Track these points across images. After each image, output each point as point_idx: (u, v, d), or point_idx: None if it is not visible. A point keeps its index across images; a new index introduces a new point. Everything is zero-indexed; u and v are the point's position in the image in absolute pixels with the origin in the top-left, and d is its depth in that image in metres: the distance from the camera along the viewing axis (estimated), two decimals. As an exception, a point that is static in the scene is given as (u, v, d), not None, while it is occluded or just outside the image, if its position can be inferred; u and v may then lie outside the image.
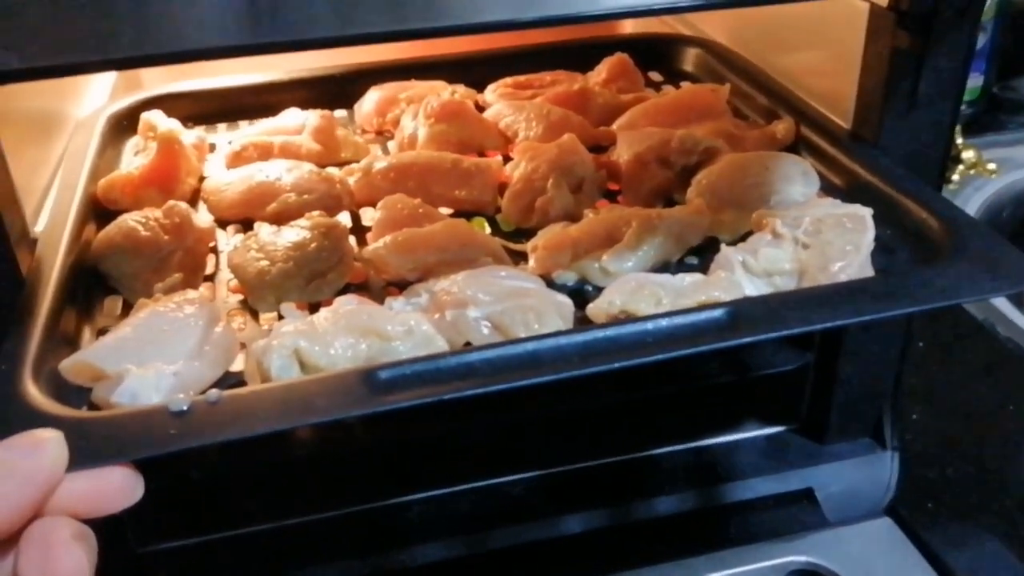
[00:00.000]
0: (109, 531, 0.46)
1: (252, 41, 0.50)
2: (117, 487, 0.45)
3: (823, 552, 0.86)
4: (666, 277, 0.66)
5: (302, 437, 0.84)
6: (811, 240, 0.69)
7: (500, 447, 0.88)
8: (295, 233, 0.72)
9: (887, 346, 0.87)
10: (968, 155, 1.51)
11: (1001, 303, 1.24)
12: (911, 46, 0.72)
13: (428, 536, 0.84)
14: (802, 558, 0.86)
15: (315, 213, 0.75)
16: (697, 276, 0.67)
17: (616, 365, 0.54)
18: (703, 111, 0.90)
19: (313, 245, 0.71)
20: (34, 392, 0.52)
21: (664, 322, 0.57)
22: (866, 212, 0.71)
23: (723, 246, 0.71)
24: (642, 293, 0.64)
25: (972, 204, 1.45)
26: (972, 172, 1.51)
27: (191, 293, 0.65)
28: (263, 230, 0.75)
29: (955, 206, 0.70)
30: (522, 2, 0.53)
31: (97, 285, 0.71)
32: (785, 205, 0.75)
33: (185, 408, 0.50)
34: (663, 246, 0.72)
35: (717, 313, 0.58)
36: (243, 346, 0.61)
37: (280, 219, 0.77)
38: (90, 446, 0.46)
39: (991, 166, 1.52)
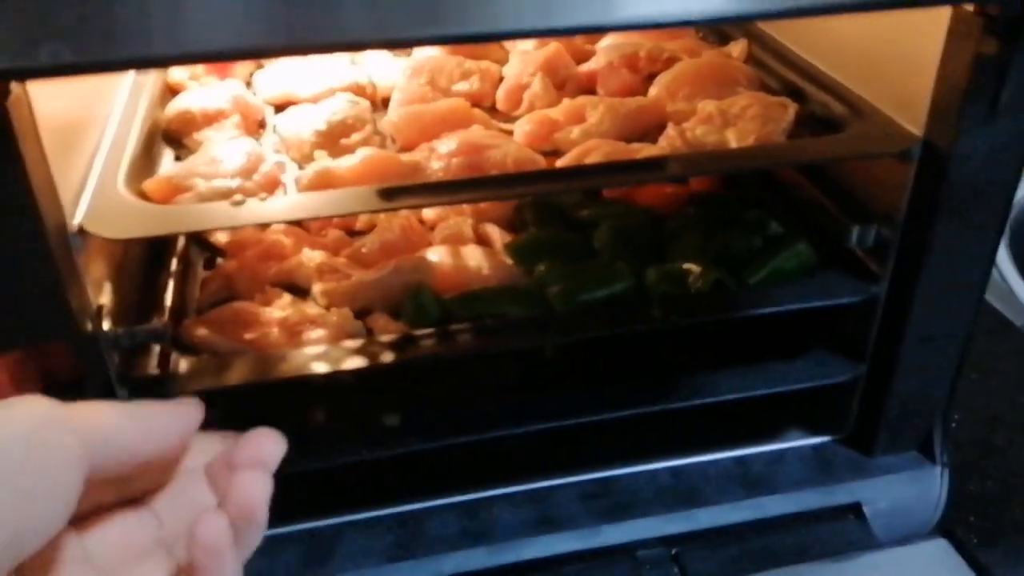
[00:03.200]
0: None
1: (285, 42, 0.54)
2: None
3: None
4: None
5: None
6: (737, 121, 0.84)
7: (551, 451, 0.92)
8: (330, 106, 0.91)
9: (944, 358, 0.87)
10: None
11: None
12: (998, 52, 0.70)
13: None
14: None
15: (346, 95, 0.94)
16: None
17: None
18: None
19: (343, 115, 0.89)
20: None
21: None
22: (788, 101, 0.85)
23: (669, 124, 0.86)
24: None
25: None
26: None
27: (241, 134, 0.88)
28: (302, 106, 0.94)
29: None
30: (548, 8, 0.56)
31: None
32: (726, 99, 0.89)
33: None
34: (624, 124, 0.87)
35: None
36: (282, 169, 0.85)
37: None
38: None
39: None
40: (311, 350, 0.77)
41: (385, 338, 0.79)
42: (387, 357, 0.77)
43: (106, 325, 0.70)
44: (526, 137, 0.87)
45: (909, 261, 0.83)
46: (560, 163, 0.81)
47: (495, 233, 0.94)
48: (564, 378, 0.90)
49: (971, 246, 0.81)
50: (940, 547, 0.86)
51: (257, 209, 0.69)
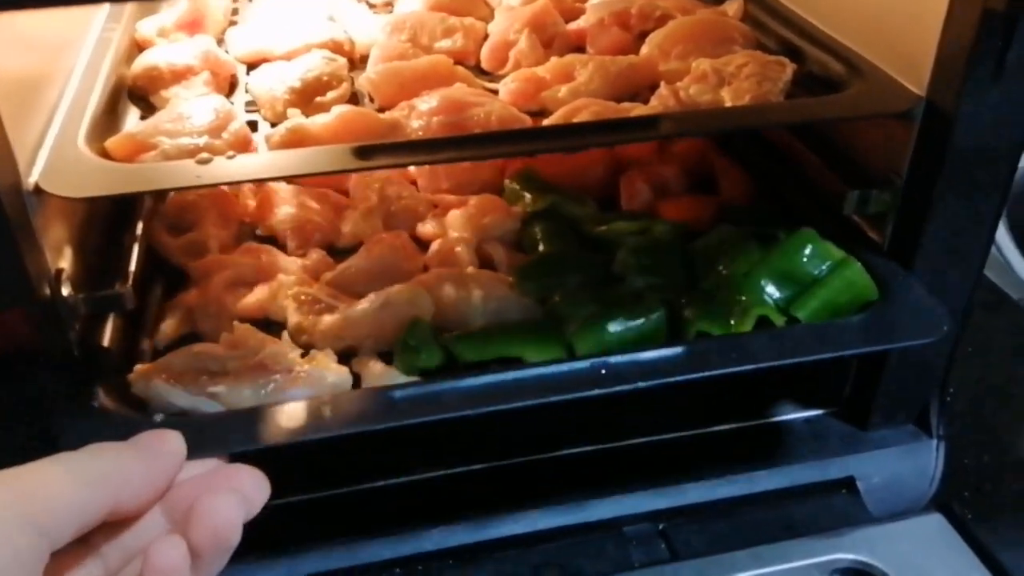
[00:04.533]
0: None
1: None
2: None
3: (871, 550, 0.82)
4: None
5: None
6: (733, 80, 0.81)
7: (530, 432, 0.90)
8: (305, 62, 0.88)
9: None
10: None
11: None
12: (1005, 8, 0.67)
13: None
14: (849, 556, 0.82)
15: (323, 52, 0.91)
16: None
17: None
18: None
19: (319, 72, 0.87)
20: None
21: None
22: (785, 60, 0.83)
23: (661, 84, 0.83)
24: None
25: None
26: None
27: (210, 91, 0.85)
28: (275, 63, 0.91)
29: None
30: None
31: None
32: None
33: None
34: (615, 83, 0.85)
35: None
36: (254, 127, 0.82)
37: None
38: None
39: None
40: (286, 411, 0.67)
41: (373, 393, 0.70)
42: (374, 418, 0.67)
43: (65, 291, 0.68)
44: (511, 96, 0.85)
45: (909, 228, 0.82)
46: (547, 123, 0.79)
47: (500, 254, 0.87)
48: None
49: (974, 212, 0.79)
50: (935, 522, 0.84)
51: (224, 167, 0.66)
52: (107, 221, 0.84)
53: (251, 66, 0.93)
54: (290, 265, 0.85)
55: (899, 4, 0.80)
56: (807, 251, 0.81)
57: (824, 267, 0.81)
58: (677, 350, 0.72)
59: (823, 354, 0.72)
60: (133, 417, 0.66)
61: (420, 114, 0.76)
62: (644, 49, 0.92)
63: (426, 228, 0.91)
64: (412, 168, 0.97)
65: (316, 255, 0.87)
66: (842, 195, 0.84)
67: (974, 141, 0.75)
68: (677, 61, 0.88)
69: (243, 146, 0.75)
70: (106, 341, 0.74)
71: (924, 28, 0.75)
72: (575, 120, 0.78)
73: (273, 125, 0.81)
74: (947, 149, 0.75)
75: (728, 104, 0.79)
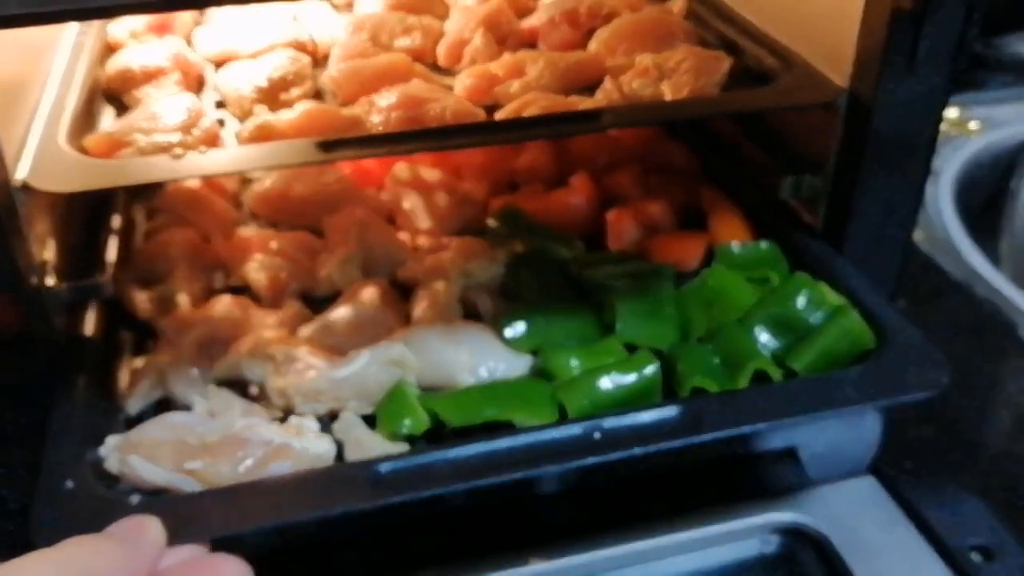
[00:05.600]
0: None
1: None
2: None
3: (807, 510, 0.85)
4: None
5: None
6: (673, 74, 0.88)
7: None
8: (271, 61, 0.93)
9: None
10: (950, 114, 1.46)
11: (980, 264, 1.30)
12: (912, 7, 0.75)
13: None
14: (786, 516, 0.86)
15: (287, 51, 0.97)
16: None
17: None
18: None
19: (283, 70, 0.92)
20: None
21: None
22: (723, 55, 0.89)
23: (606, 78, 0.90)
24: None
25: (952, 163, 1.52)
26: (954, 131, 1.58)
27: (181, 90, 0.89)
28: (242, 62, 0.96)
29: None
30: None
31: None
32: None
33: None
34: (564, 77, 0.91)
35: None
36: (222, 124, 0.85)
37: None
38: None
39: (972, 125, 1.60)
40: (268, 490, 0.65)
41: (359, 468, 0.67)
42: (360, 496, 0.64)
43: (50, 281, 0.74)
44: (466, 91, 0.90)
45: (839, 210, 0.89)
46: (498, 116, 0.85)
47: (485, 302, 0.86)
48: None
49: (896, 192, 0.86)
50: (868, 483, 0.88)
51: (197, 161, 0.72)
52: (86, 216, 0.90)
53: (218, 65, 0.99)
54: (265, 319, 0.83)
55: (823, 1, 0.87)
56: (802, 297, 0.81)
57: (819, 314, 0.81)
58: (673, 411, 0.70)
59: (823, 410, 0.72)
60: (107, 499, 0.64)
61: (380, 110, 0.82)
62: (592, 45, 0.98)
63: (407, 274, 0.90)
64: (390, 205, 1.00)
65: (292, 308, 0.85)
66: (778, 181, 0.91)
67: (892, 128, 0.82)
68: (622, 57, 0.94)
69: (213, 142, 0.80)
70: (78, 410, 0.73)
71: (845, 25, 0.82)
72: (525, 113, 0.84)
73: (241, 122, 0.87)
74: (868, 136, 0.82)
75: (668, 97, 0.86)
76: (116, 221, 0.91)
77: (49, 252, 0.76)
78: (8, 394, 0.76)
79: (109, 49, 0.98)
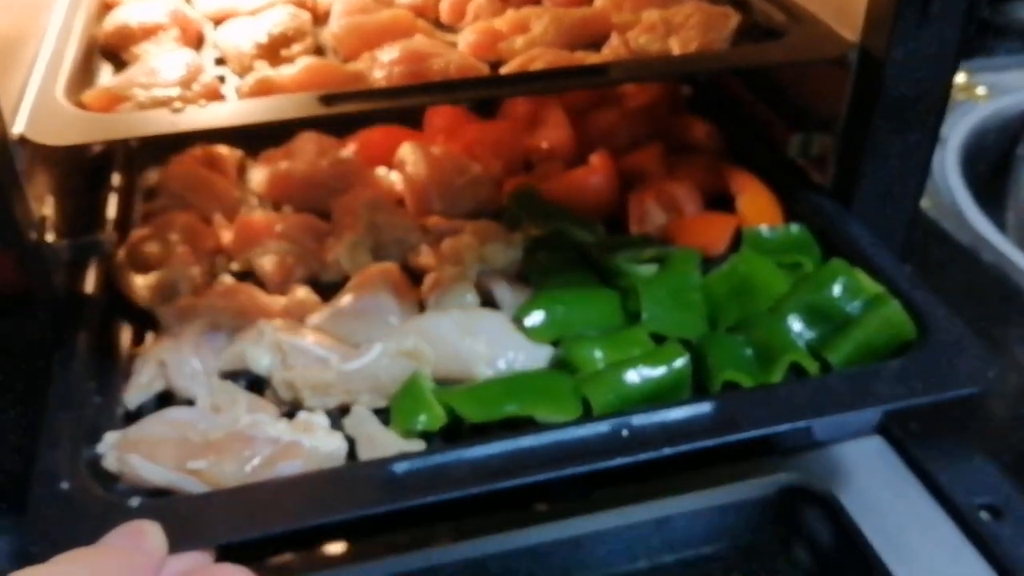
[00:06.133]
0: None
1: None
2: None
3: (814, 471, 0.86)
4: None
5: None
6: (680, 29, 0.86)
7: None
8: (271, 17, 0.91)
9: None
10: (958, 79, 1.43)
11: (986, 230, 1.30)
12: None
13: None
14: (793, 476, 0.86)
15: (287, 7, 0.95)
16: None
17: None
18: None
19: (284, 26, 0.90)
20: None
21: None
22: (731, 11, 0.87)
23: (613, 34, 0.89)
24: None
25: (959, 130, 1.52)
26: (961, 96, 1.58)
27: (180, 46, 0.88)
28: (242, 19, 0.94)
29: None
30: None
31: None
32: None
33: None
34: (569, 34, 0.90)
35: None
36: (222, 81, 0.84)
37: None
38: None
39: (980, 91, 1.59)
40: (277, 492, 0.62)
41: (373, 468, 0.64)
42: (375, 498, 0.61)
43: (50, 237, 0.73)
44: (470, 47, 0.89)
45: (848, 169, 0.88)
46: (503, 71, 0.84)
47: (503, 290, 0.81)
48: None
49: (906, 151, 0.85)
50: (875, 443, 0.89)
51: (197, 115, 0.71)
52: (86, 175, 0.89)
53: (217, 22, 0.97)
54: (271, 305, 0.80)
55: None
56: (839, 286, 0.78)
57: (857, 303, 0.77)
58: (706, 408, 0.67)
59: (864, 407, 0.70)
60: (105, 500, 0.61)
61: (382, 65, 0.81)
62: (597, 2, 0.97)
63: (419, 258, 0.86)
64: (400, 187, 0.97)
65: (300, 294, 0.82)
66: (786, 139, 0.90)
67: (903, 84, 0.81)
68: (629, 13, 0.92)
69: (213, 97, 0.79)
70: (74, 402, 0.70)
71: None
72: (530, 68, 0.83)
73: (241, 78, 0.85)
74: (879, 92, 0.82)
75: (676, 52, 0.85)
76: (116, 180, 0.90)
77: (48, 208, 0.75)
78: (8, 353, 0.77)
79: (106, 7, 0.97)
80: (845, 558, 0.83)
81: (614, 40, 0.88)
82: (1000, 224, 1.36)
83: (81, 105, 0.76)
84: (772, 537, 0.87)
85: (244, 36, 0.89)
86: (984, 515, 0.81)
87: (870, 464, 0.87)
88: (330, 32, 0.91)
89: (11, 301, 0.74)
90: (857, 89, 0.85)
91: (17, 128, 0.70)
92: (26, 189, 0.70)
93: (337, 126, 1.01)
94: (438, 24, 0.98)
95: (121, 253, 0.84)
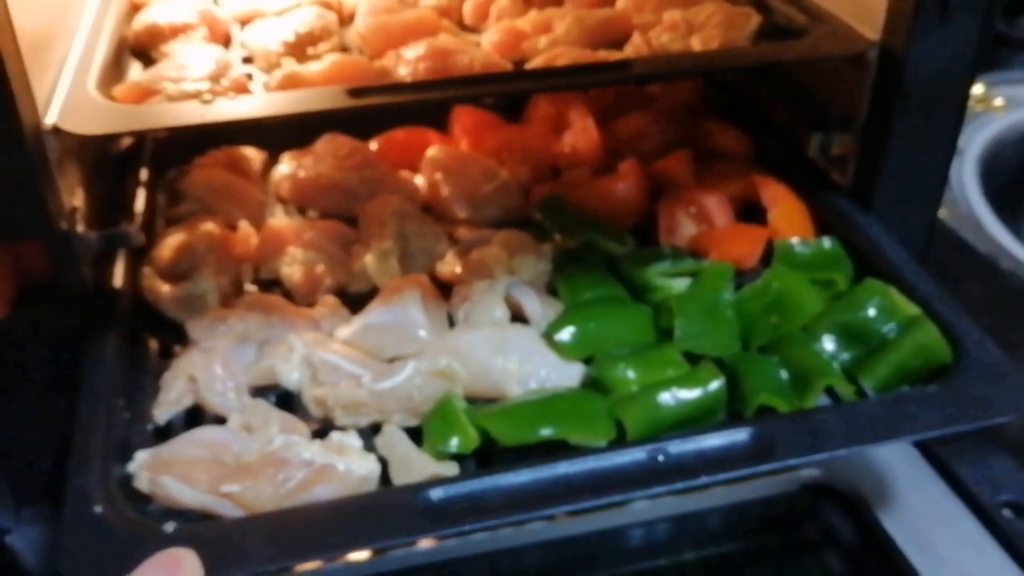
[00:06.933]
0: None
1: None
2: None
3: (837, 468, 0.87)
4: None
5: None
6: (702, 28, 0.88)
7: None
8: (298, 17, 0.94)
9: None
10: (976, 90, 1.44)
11: (1005, 239, 1.33)
12: None
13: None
14: (815, 474, 0.87)
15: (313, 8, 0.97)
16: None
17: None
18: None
19: (311, 26, 0.93)
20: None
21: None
22: (751, 11, 0.89)
23: (635, 34, 0.91)
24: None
25: (976, 142, 1.54)
26: (979, 108, 1.59)
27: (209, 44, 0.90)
28: (268, 19, 0.97)
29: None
30: None
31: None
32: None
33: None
34: (591, 34, 0.91)
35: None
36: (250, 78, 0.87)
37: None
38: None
39: (997, 102, 1.61)
40: (314, 518, 0.61)
41: (405, 493, 0.63)
42: (412, 527, 0.60)
43: (79, 227, 0.74)
44: (493, 47, 0.90)
45: (868, 168, 0.88)
46: (527, 67, 0.85)
47: (532, 304, 0.79)
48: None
49: (927, 149, 0.86)
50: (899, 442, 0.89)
51: (227, 107, 0.72)
52: (113, 169, 0.90)
53: (244, 23, 0.99)
54: (300, 320, 0.78)
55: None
56: (874, 306, 0.76)
57: (892, 325, 0.75)
58: (743, 435, 0.66)
59: (900, 437, 0.67)
60: (139, 523, 0.61)
61: (407, 62, 0.82)
62: (619, 2, 0.98)
63: (446, 269, 0.85)
64: (425, 191, 0.95)
65: (328, 305, 0.80)
66: (806, 137, 0.91)
67: (924, 81, 0.82)
68: (650, 13, 0.93)
69: (241, 92, 0.81)
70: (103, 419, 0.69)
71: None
72: (553, 66, 0.84)
73: (268, 75, 0.87)
74: (899, 90, 0.82)
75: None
76: (144, 175, 0.91)
77: (78, 200, 0.76)
78: (38, 342, 0.76)
79: (135, 7, 0.99)
80: (868, 555, 0.83)
81: (636, 39, 0.89)
82: (1018, 234, 1.37)
83: (112, 99, 0.78)
84: (794, 535, 0.87)
85: (271, 35, 0.91)
86: (1007, 512, 0.80)
87: (893, 462, 0.87)
88: (356, 31, 0.93)
89: (41, 291, 0.74)
90: (877, 87, 0.85)
91: (50, 119, 0.71)
92: (57, 179, 0.71)
93: (360, 127, 1.01)
94: (462, 25, 0.99)
95: (147, 263, 0.84)
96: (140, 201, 0.88)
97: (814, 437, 0.66)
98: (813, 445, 0.65)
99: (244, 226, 0.89)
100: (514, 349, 0.74)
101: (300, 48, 0.89)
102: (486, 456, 0.68)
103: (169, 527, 0.60)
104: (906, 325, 0.75)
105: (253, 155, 1.01)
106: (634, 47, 0.88)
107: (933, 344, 0.73)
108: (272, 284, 0.86)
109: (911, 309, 0.76)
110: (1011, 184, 1.59)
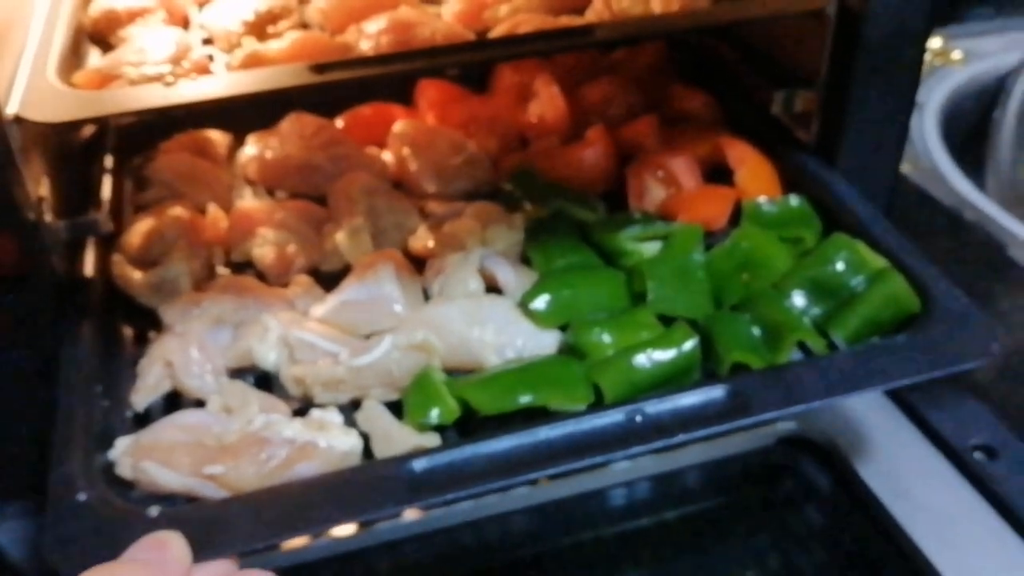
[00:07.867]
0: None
1: None
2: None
3: (812, 421, 0.88)
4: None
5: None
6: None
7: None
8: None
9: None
10: (934, 43, 1.45)
11: (967, 190, 1.35)
12: None
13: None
14: (791, 426, 0.88)
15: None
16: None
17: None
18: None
19: (269, 4, 0.92)
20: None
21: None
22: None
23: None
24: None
25: (937, 94, 1.56)
26: (938, 62, 1.61)
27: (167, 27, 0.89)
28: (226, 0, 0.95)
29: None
30: None
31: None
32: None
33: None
34: (552, 1, 0.93)
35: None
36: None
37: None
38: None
39: (956, 56, 1.62)
40: (298, 494, 0.61)
41: (388, 465, 0.64)
42: (398, 497, 0.61)
43: (47, 217, 0.73)
44: (455, 17, 0.90)
45: (832, 124, 0.89)
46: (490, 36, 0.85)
47: (506, 274, 0.79)
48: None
49: (886, 101, 0.86)
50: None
51: (190, 88, 0.71)
52: (78, 157, 0.89)
53: (201, 4, 0.98)
54: (274, 300, 0.78)
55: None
56: (842, 261, 0.77)
57: (861, 278, 0.77)
58: (719, 392, 0.67)
59: (873, 387, 0.68)
60: (124, 509, 0.60)
61: (369, 36, 0.82)
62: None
63: (418, 243, 0.84)
64: (393, 166, 0.95)
65: (301, 285, 0.80)
66: (769, 95, 0.91)
67: (882, 35, 0.82)
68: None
69: (203, 73, 0.80)
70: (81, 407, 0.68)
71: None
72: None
73: (229, 56, 0.86)
74: (858, 43, 0.82)
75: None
76: (109, 162, 0.90)
77: (44, 189, 0.75)
78: (12, 335, 0.75)
79: (90, -6, 0.97)
80: (846, 504, 0.84)
81: (597, 5, 0.89)
82: (980, 186, 1.39)
83: (73, 86, 0.77)
84: (773, 488, 0.89)
85: (230, 15, 0.90)
86: (979, 455, 0.82)
87: (867, 412, 0.88)
88: (316, 7, 0.92)
89: (11, 283, 0.74)
90: (836, 42, 0.85)
91: (11, 108, 0.70)
92: (23, 170, 0.70)
93: (325, 106, 1.00)
94: (423, -1, 0.98)
95: (117, 251, 0.83)
96: (107, 189, 0.87)
97: (788, 391, 0.66)
98: (787, 398, 0.66)
99: (213, 209, 0.88)
100: (490, 319, 0.74)
101: (260, 27, 0.88)
102: (467, 426, 0.69)
103: (154, 511, 0.60)
104: (874, 277, 0.76)
105: (218, 138, 1.00)
106: (595, 12, 0.88)
107: (901, 295, 0.74)
108: (244, 266, 0.85)
109: (878, 262, 0.77)
110: (972, 137, 1.61)
